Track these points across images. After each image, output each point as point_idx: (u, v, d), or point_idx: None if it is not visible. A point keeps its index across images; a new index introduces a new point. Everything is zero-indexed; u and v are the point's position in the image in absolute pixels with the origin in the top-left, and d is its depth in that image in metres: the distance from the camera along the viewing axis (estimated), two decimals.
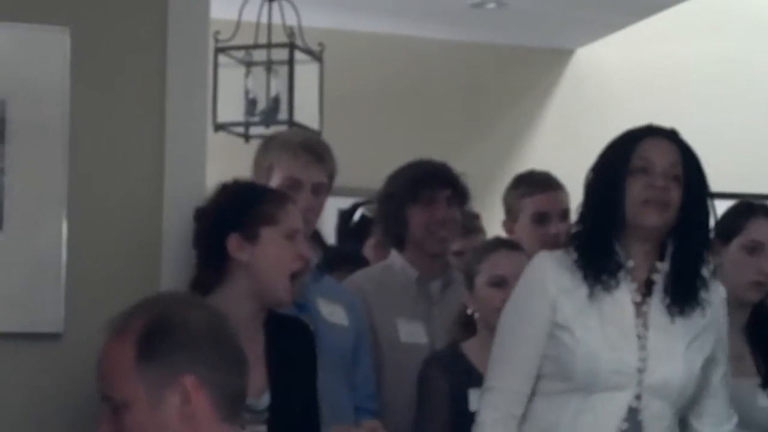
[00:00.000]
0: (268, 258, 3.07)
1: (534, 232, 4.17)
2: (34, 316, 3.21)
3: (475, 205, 4.24)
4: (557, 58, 7.30)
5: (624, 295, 2.97)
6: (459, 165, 4.11)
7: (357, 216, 5.15)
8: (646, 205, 2.95)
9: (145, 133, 3.38)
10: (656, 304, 2.98)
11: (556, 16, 6.76)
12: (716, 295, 3.07)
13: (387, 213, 4.01)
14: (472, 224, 4.68)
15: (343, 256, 4.74)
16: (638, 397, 2.93)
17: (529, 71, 7.25)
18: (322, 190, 3.51)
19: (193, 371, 2.12)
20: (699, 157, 3.06)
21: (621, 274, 2.97)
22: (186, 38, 3.45)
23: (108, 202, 3.33)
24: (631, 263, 2.98)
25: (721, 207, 3.69)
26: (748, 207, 3.58)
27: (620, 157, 2.99)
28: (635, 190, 2.95)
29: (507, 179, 4.39)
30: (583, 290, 2.96)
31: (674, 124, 7.65)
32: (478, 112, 7.12)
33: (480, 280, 3.50)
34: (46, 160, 3.23)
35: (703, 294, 3.00)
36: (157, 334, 2.14)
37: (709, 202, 3.05)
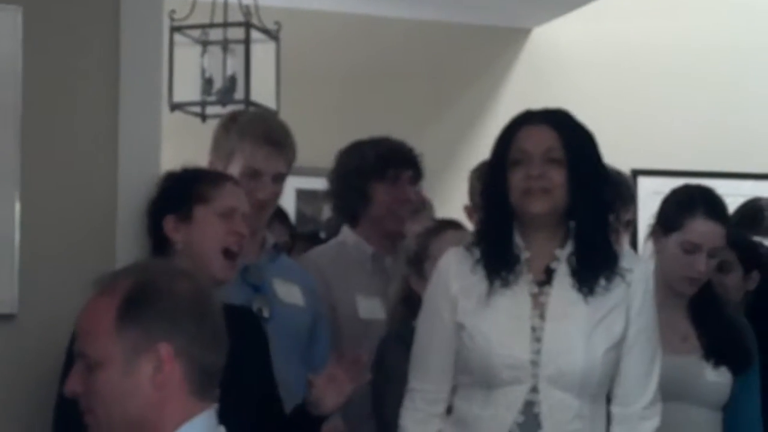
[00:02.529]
0: (201, 236, 3.08)
1: None
2: None
3: (433, 183, 4.24)
4: (514, 37, 7.30)
5: (522, 288, 2.97)
6: (417, 144, 4.12)
7: None
8: (528, 195, 2.94)
9: (99, 112, 3.36)
10: (556, 292, 2.96)
11: None
12: (638, 270, 3.02)
13: (348, 186, 4.00)
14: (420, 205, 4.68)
15: (299, 233, 4.75)
16: (535, 390, 2.91)
17: (487, 50, 7.24)
18: (282, 178, 3.52)
19: (170, 340, 2.11)
20: (585, 134, 3.02)
21: (519, 267, 2.97)
22: (140, 17, 3.44)
23: (62, 182, 3.31)
24: (527, 254, 2.98)
25: (677, 184, 3.73)
26: (689, 201, 3.57)
27: (500, 150, 3.01)
28: (515, 181, 2.95)
29: (465, 158, 4.40)
30: (482, 287, 2.98)
31: (631, 102, 7.68)
32: (436, 91, 7.11)
33: (431, 263, 3.47)
34: None
35: (611, 272, 2.97)
36: (141, 298, 2.12)
37: (600, 176, 3.00)
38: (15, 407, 3.21)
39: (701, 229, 3.52)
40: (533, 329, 2.93)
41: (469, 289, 2.99)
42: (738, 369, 3.51)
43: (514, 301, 2.95)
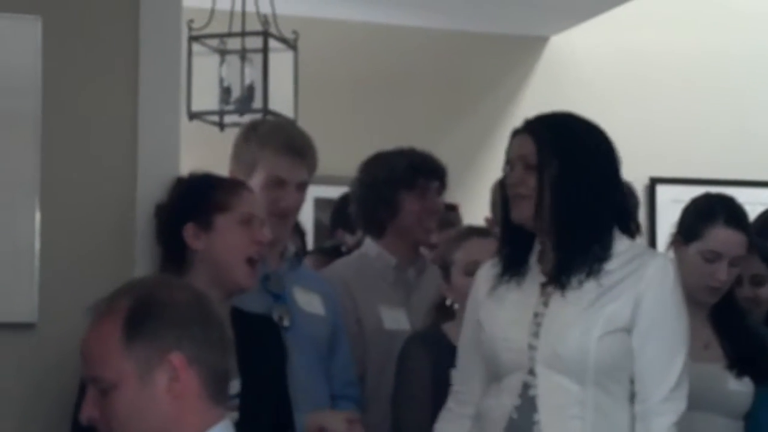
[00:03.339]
0: (224, 245, 3.09)
1: None
2: (8, 306, 3.20)
3: (450, 193, 4.24)
4: (532, 45, 7.29)
5: (532, 278, 3.02)
6: (435, 153, 4.11)
7: None
8: (511, 202, 3.02)
9: (119, 122, 3.37)
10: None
11: (530, 3, 6.74)
12: (652, 265, 2.99)
13: (376, 196, 3.99)
14: (448, 216, 4.68)
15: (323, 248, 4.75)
16: (532, 373, 2.93)
17: (504, 59, 7.24)
18: (305, 186, 3.53)
19: (180, 349, 2.12)
20: (568, 138, 3.00)
21: (531, 260, 3.03)
22: (159, 27, 3.44)
23: (81, 191, 3.32)
24: (538, 246, 3.03)
25: (696, 193, 3.73)
26: (709, 210, 3.57)
27: (505, 161, 3.08)
28: (506, 190, 3.05)
29: (482, 168, 4.40)
30: (498, 283, 3.05)
31: (649, 111, 7.65)
32: (454, 100, 7.11)
33: (455, 269, 3.53)
34: (18, 150, 3.22)
35: (602, 266, 2.95)
36: (144, 312, 2.13)
37: (576, 177, 2.97)
38: (35, 416, 3.21)
39: (722, 237, 3.52)
40: (536, 315, 2.97)
41: (492, 289, 3.06)
42: (760, 378, 3.50)
43: (523, 292, 3.01)
